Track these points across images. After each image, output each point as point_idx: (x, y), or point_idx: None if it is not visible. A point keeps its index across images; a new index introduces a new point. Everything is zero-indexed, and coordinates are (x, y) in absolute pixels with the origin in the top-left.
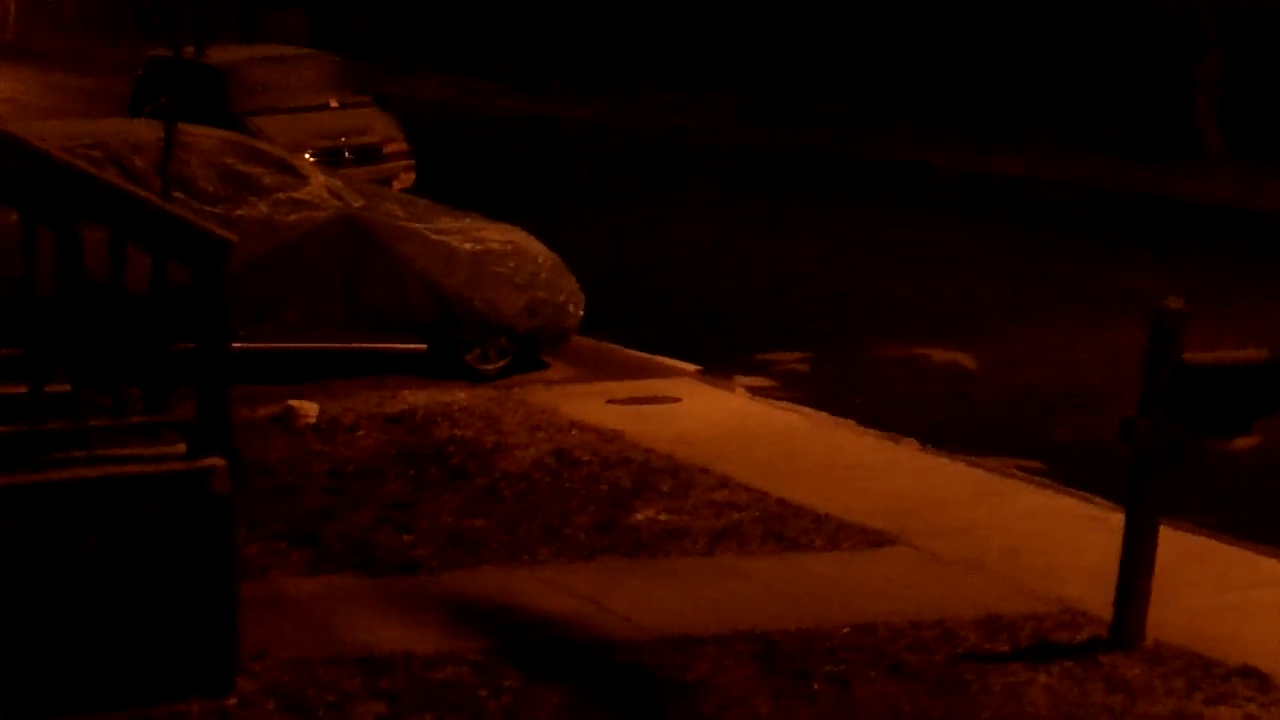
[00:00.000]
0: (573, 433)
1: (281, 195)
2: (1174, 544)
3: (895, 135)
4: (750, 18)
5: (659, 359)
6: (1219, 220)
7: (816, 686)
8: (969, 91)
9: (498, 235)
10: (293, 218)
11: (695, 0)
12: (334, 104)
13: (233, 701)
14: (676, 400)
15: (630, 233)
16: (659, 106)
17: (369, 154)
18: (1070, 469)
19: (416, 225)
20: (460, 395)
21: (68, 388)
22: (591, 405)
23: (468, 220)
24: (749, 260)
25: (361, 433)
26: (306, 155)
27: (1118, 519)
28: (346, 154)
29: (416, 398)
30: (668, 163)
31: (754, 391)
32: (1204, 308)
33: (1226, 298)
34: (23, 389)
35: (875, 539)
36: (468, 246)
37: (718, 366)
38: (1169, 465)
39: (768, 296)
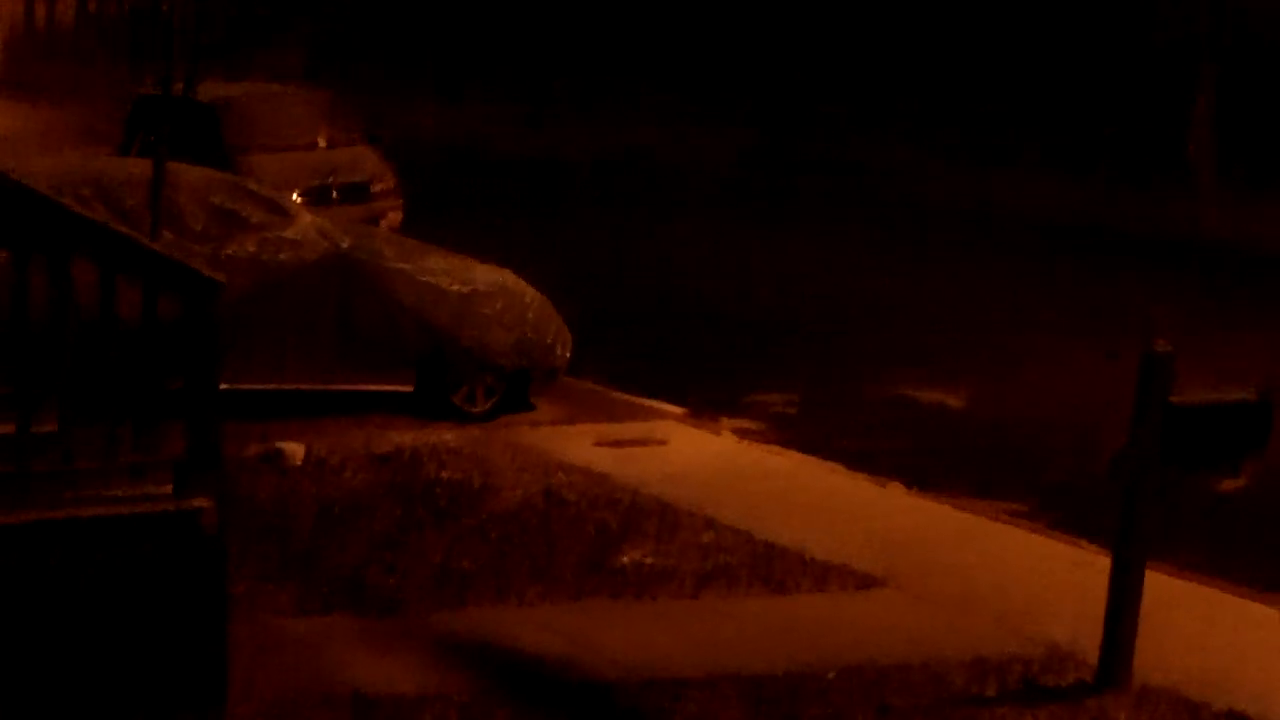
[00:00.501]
0: (560, 474)
1: (269, 234)
2: (1160, 586)
3: (890, 167)
4: (743, 46)
5: (646, 401)
6: (1212, 252)
7: None
8: (958, 122)
9: (486, 276)
10: (281, 257)
11: (694, 13)
12: (323, 142)
13: None
14: (664, 442)
15: (615, 266)
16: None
17: (357, 192)
18: (1057, 509)
19: (404, 265)
20: (447, 436)
21: (55, 427)
22: (579, 446)
23: (456, 260)
24: (742, 296)
25: (349, 473)
26: (295, 194)
27: (1104, 562)
28: (335, 193)
29: (404, 438)
30: (666, 184)
31: (741, 433)
32: (1195, 340)
33: (1218, 330)
34: (10, 428)
35: (862, 581)
36: (456, 287)
37: (704, 408)
38: (1157, 506)
39: (756, 333)
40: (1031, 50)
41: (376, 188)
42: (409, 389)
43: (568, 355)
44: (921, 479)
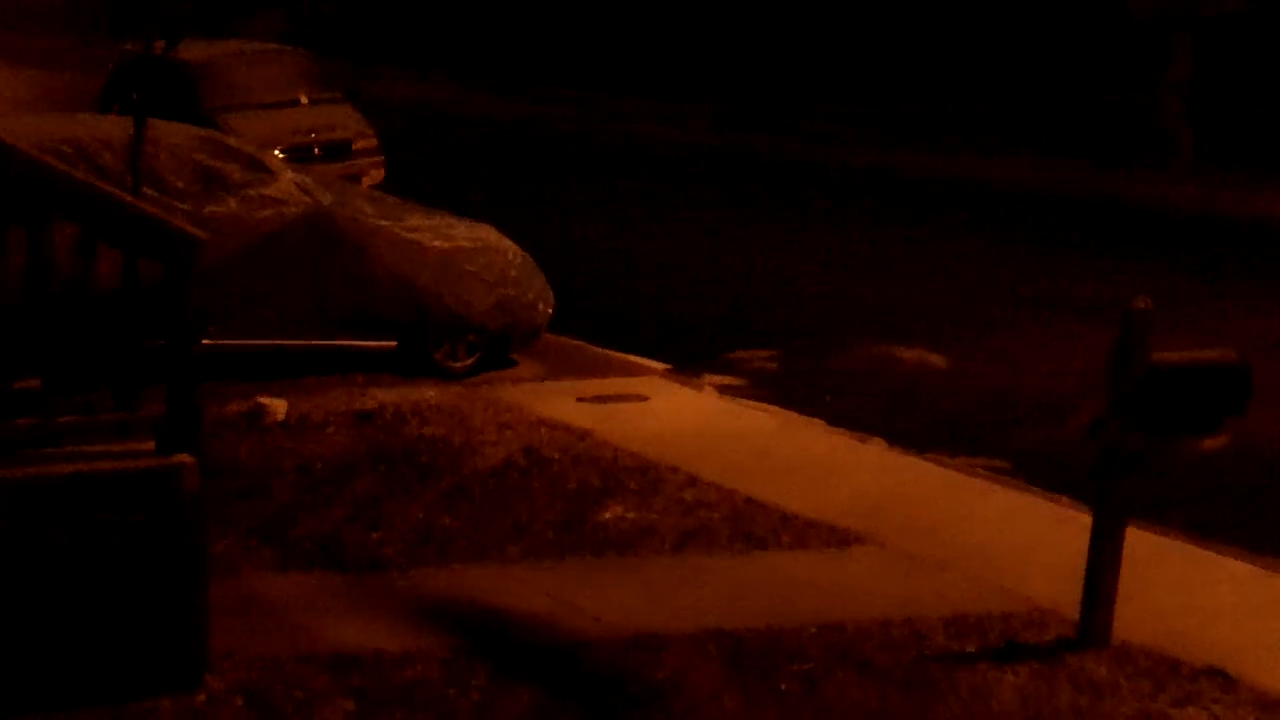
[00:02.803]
0: (541, 431)
1: (251, 192)
2: (1140, 544)
3: (862, 141)
4: (726, 27)
5: (628, 357)
6: (1186, 227)
7: (784, 685)
8: (938, 100)
9: (467, 233)
10: (262, 214)
11: (676, 6)
12: (304, 100)
13: (202, 698)
14: (645, 399)
15: (602, 234)
16: (635, 110)
17: (338, 150)
18: (1036, 470)
19: (386, 222)
20: (429, 393)
21: (37, 384)
22: (560, 403)
23: (438, 218)
24: (720, 262)
25: (331, 430)
26: (276, 152)
27: (1084, 518)
28: (316, 150)
29: (386, 395)
30: (641, 164)
31: (723, 390)
32: (1170, 313)
33: (1192, 303)
34: None
35: (843, 538)
36: (438, 244)
37: (687, 365)
38: (1136, 465)
39: (737, 297)
40: (1000, 27)
41: (358, 145)
42: (391, 346)
43: (550, 312)
44: (902, 437)
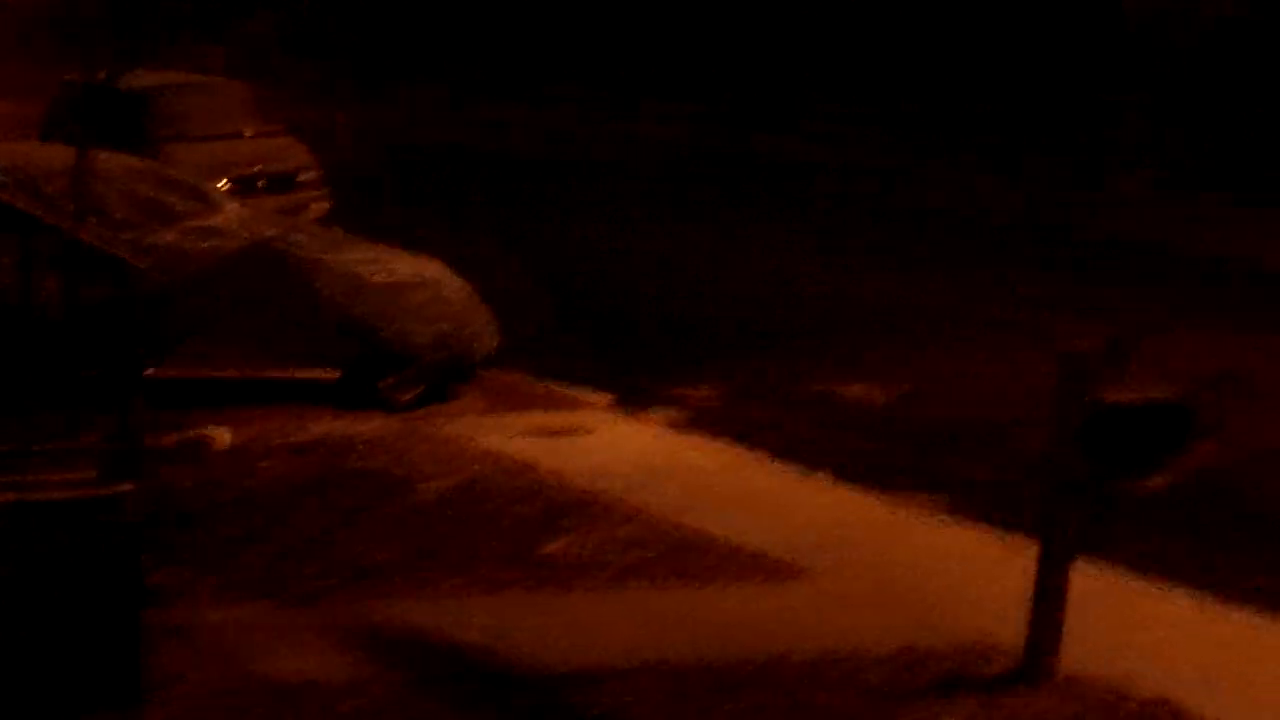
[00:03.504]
0: (484, 463)
1: (193, 223)
2: (1086, 578)
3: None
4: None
5: (573, 392)
6: (1139, 255)
7: None
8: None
9: (409, 267)
10: (204, 245)
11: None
12: (248, 132)
13: None
14: (590, 432)
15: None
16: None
17: (283, 183)
18: (985, 503)
19: (328, 255)
20: (370, 426)
21: None
22: (503, 437)
23: (381, 251)
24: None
25: (270, 462)
26: (221, 183)
27: (1031, 552)
28: (260, 182)
29: (327, 427)
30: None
31: (668, 424)
32: (1120, 341)
33: (1143, 330)
34: None
35: (786, 572)
36: (378, 278)
37: (632, 398)
38: (1080, 501)
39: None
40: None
41: (302, 178)
42: (333, 378)
43: (495, 345)
44: (848, 471)
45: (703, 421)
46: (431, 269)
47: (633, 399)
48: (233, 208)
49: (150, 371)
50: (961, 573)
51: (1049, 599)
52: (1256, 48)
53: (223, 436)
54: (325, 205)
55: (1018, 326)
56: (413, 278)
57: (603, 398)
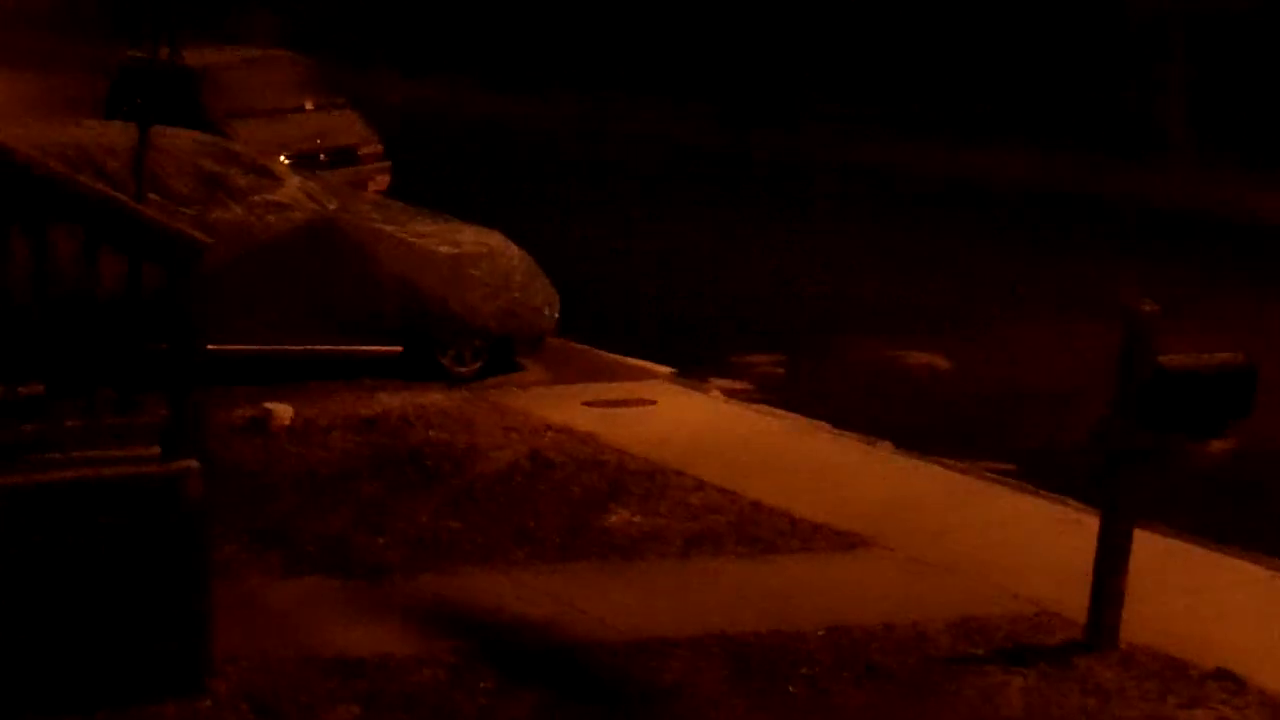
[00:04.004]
0: (547, 435)
1: (257, 198)
2: (1148, 546)
3: (862, 140)
4: (725, 26)
5: (634, 361)
6: (1188, 222)
7: (790, 689)
8: (937, 96)
9: (473, 238)
10: (268, 220)
11: (676, 5)
12: (309, 106)
13: (206, 703)
14: (652, 403)
15: (602, 234)
16: (636, 110)
17: (344, 156)
18: (1044, 471)
19: (392, 228)
20: (435, 397)
21: (41, 390)
22: (566, 408)
23: (443, 223)
24: (724, 263)
25: (336, 435)
26: (282, 158)
27: (1091, 521)
28: (321, 156)
29: (391, 400)
30: (644, 166)
31: (729, 394)
32: (1171, 311)
33: (1192, 301)
34: None
35: (850, 541)
36: (443, 249)
37: (693, 369)
38: (1143, 467)
39: (743, 299)
40: (999, 27)
41: (363, 151)
42: (397, 350)
43: (555, 316)
44: (909, 440)
45: (763, 392)
46: (494, 240)
47: (693, 370)
48: (296, 182)
49: (213, 346)
50: (1026, 540)
51: (1111, 567)
52: None
53: (285, 412)
54: (386, 179)
55: (1075, 300)
56: (476, 248)
57: (664, 369)
